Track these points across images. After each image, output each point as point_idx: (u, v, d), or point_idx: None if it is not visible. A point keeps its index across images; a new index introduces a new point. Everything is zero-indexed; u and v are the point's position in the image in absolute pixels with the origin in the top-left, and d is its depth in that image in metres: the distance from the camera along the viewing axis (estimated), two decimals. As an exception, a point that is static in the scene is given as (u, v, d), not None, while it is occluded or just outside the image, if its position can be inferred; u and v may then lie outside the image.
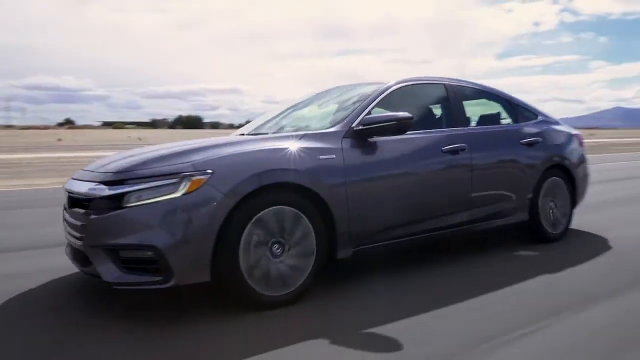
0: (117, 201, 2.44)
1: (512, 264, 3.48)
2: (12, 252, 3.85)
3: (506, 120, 4.18)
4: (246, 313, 2.48)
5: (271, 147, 2.74)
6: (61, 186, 3.15)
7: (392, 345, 2.11)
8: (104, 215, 2.44)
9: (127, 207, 2.41)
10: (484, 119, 4.10)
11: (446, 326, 2.33)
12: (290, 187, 2.64)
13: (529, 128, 4.12)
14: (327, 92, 4.01)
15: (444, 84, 3.77)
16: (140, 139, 38.10)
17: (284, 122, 3.67)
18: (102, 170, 2.69)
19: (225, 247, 2.42)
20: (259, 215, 2.52)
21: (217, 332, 2.30)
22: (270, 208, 2.55)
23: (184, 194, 2.39)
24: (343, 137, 2.96)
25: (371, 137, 3.04)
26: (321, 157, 2.80)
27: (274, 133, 3.32)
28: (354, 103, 3.28)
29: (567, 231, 4.19)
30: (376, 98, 3.27)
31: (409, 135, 3.20)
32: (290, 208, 2.62)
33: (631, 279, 3.05)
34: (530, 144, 3.96)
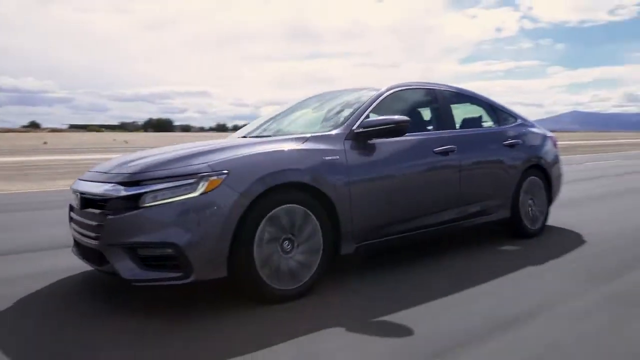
0: (134, 201, 2.54)
1: (502, 257, 3.74)
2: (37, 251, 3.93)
3: (488, 123, 4.44)
4: (260, 307, 2.61)
5: (281, 149, 2.88)
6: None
7: (403, 331, 2.29)
8: (122, 215, 2.53)
9: (145, 206, 2.50)
10: (468, 122, 4.34)
11: (453, 313, 2.53)
12: (300, 186, 2.79)
13: (510, 130, 4.39)
14: (319, 96, 4.18)
15: (432, 88, 4.00)
16: (126, 141, 37.32)
17: (282, 125, 3.81)
18: (117, 171, 2.77)
19: (241, 243, 2.55)
20: (271, 213, 2.65)
21: (232, 323, 2.41)
22: (282, 206, 2.70)
23: (201, 194, 2.51)
24: (345, 139, 3.13)
25: (370, 139, 3.21)
26: (326, 158, 2.96)
27: (277, 135, 3.45)
28: (352, 107, 3.45)
29: (544, 227, 4.48)
30: (373, 102, 3.45)
31: (404, 137, 3.38)
32: (300, 206, 2.77)
33: (615, 266, 3.33)
34: (511, 146, 4.23)
